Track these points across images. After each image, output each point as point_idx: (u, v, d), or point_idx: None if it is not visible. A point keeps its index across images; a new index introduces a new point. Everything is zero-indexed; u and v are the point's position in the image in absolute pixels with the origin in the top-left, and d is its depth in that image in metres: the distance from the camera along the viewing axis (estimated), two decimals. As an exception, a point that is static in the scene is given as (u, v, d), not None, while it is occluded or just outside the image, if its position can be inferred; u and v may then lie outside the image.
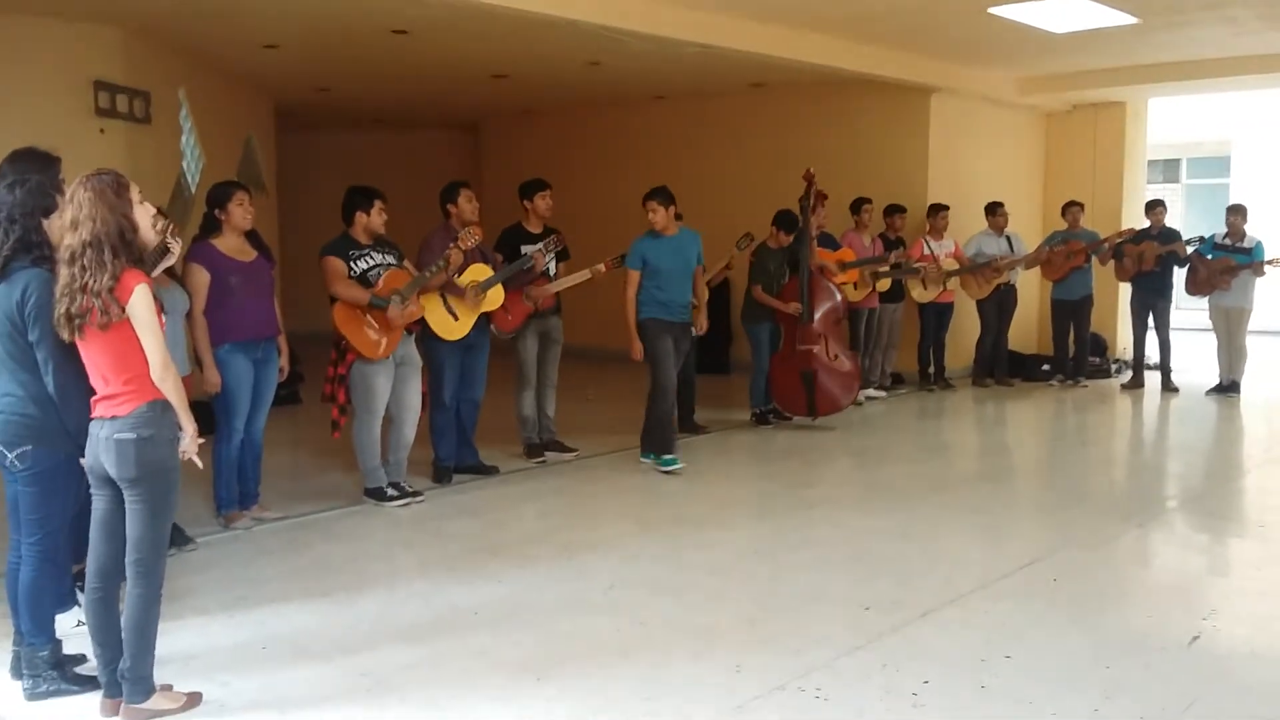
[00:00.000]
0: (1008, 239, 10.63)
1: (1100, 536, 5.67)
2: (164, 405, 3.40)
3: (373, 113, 13.98)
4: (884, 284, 9.85)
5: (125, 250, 3.33)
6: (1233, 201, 11.01)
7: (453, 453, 6.85)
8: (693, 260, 7.28)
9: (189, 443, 3.48)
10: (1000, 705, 3.61)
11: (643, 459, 7.26)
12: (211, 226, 5.61)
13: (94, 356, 3.40)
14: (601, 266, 7.26)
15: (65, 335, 3.35)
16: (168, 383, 3.37)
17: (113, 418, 3.36)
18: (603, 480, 7.05)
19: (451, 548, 5.50)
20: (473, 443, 6.99)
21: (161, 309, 3.46)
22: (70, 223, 3.31)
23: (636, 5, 7.69)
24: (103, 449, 3.38)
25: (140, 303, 3.32)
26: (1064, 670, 3.89)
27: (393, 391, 6.14)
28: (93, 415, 3.43)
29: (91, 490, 3.49)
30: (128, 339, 3.34)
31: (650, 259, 7.11)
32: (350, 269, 5.99)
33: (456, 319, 6.54)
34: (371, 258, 6.07)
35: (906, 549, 5.43)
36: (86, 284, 3.27)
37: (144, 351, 3.35)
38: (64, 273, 3.32)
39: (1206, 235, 10.34)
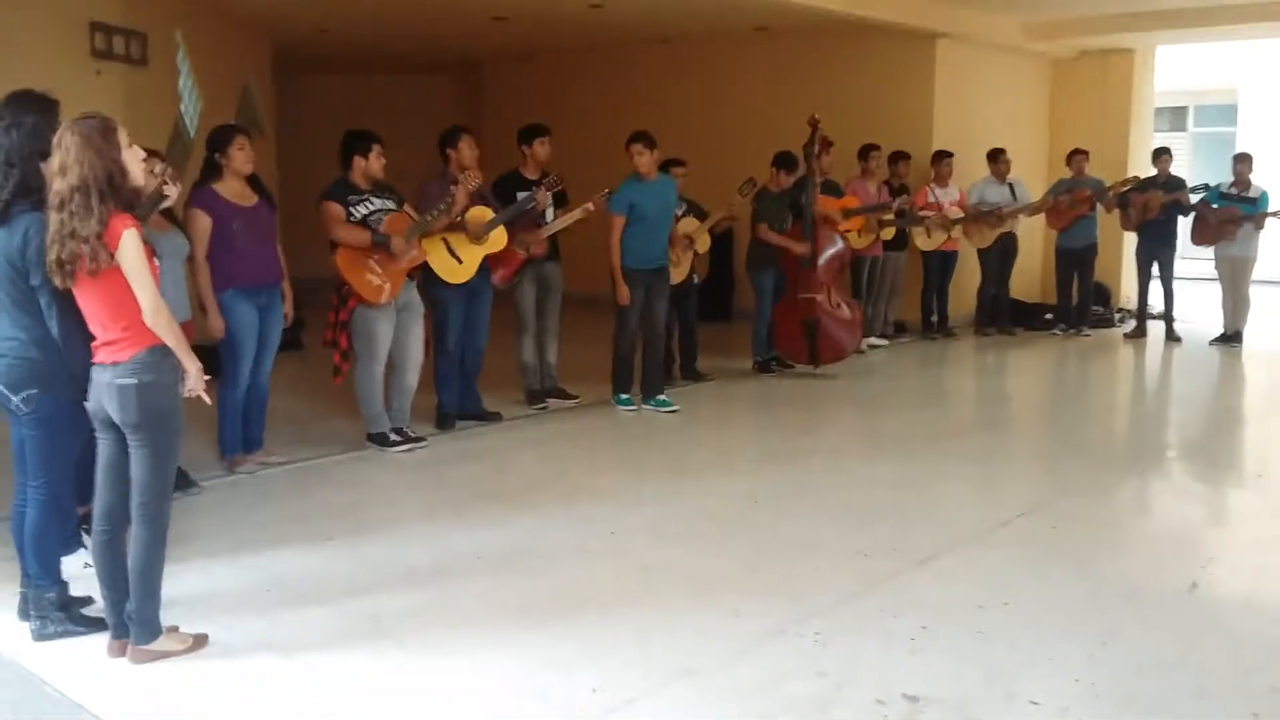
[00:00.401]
0: (1010, 186, 10.56)
1: (1099, 485, 5.70)
2: (163, 350, 3.39)
3: (372, 56, 13.82)
4: (888, 232, 9.81)
5: (113, 195, 3.30)
6: (1239, 150, 10.93)
7: (456, 399, 6.85)
8: (673, 206, 7.38)
9: (194, 380, 3.48)
10: (997, 651, 3.64)
11: (615, 402, 7.40)
12: (212, 171, 5.57)
13: (89, 303, 3.38)
14: (590, 205, 7.16)
15: (58, 282, 3.33)
16: (160, 324, 3.35)
17: (114, 363, 3.36)
18: (604, 428, 7.07)
19: (454, 493, 5.54)
20: (476, 389, 7.00)
21: (154, 253, 3.43)
22: (58, 168, 3.28)
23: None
24: (105, 394, 3.38)
25: (129, 247, 3.29)
26: (1061, 617, 3.92)
27: (395, 338, 6.14)
28: (94, 360, 3.42)
29: (96, 434, 3.50)
30: (121, 285, 3.32)
31: (637, 204, 7.12)
32: (350, 214, 5.96)
33: (460, 262, 6.52)
34: (371, 203, 6.03)
35: (905, 497, 5.46)
36: (74, 230, 3.24)
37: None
38: (53, 218, 3.29)
39: (1212, 184, 10.28)
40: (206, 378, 3.54)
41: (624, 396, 7.44)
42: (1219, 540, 5.05)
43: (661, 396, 7.39)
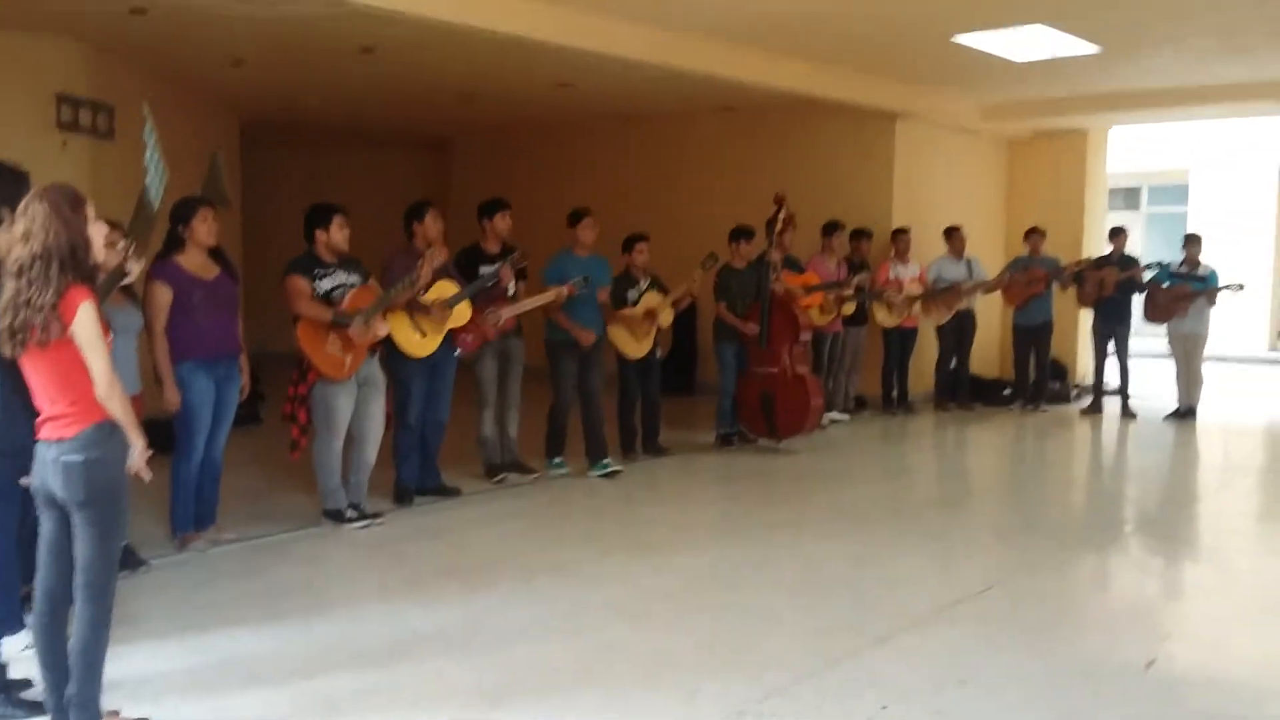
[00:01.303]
0: (968, 263, 10.73)
1: (1057, 561, 5.72)
2: (112, 425, 3.34)
3: (340, 131, 13.93)
4: (849, 308, 9.92)
5: (74, 267, 3.27)
6: (1190, 230, 11.20)
7: (415, 474, 6.80)
8: (605, 281, 7.62)
9: (139, 458, 3.43)
10: (956, 731, 3.62)
11: (548, 466, 7.60)
12: (175, 242, 5.55)
13: (37, 375, 3.33)
14: (564, 289, 7.27)
15: (6, 351, 3.28)
16: (113, 401, 3.31)
17: (59, 440, 3.30)
18: (563, 502, 7.03)
19: (410, 570, 5.46)
20: (436, 464, 6.95)
21: (109, 328, 3.40)
22: (22, 235, 3.24)
23: (604, 27, 7.73)
24: (50, 471, 3.32)
25: (84, 320, 3.25)
26: (1020, 696, 3.91)
27: (355, 412, 6.09)
28: (38, 436, 3.37)
29: (39, 512, 3.43)
30: (72, 358, 3.27)
31: (571, 277, 7.35)
32: (315, 288, 5.95)
33: (424, 335, 6.51)
34: (336, 276, 6.03)
35: (864, 573, 5.45)
36: (30, 298, 3.20)
37: (89, 371, 3.29)
38: (9, 286, 3.24)
39: (1165, 261, 10.51)
40: (149, 453, 3.49)
41: (557, 460, 7.63)
42: (1176, 616, 5.07)
43: (605, 460, 7.58)
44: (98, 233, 3.40)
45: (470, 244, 7.24)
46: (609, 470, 7.55)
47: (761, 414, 8.50)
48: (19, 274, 3.23)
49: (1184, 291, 10.05)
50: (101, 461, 3.31)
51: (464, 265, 7.02)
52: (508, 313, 7.11)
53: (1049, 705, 3.82)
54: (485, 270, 6.98)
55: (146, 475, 3.51)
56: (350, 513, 6.17)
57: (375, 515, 6.25)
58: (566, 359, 7.53)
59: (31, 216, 3.25)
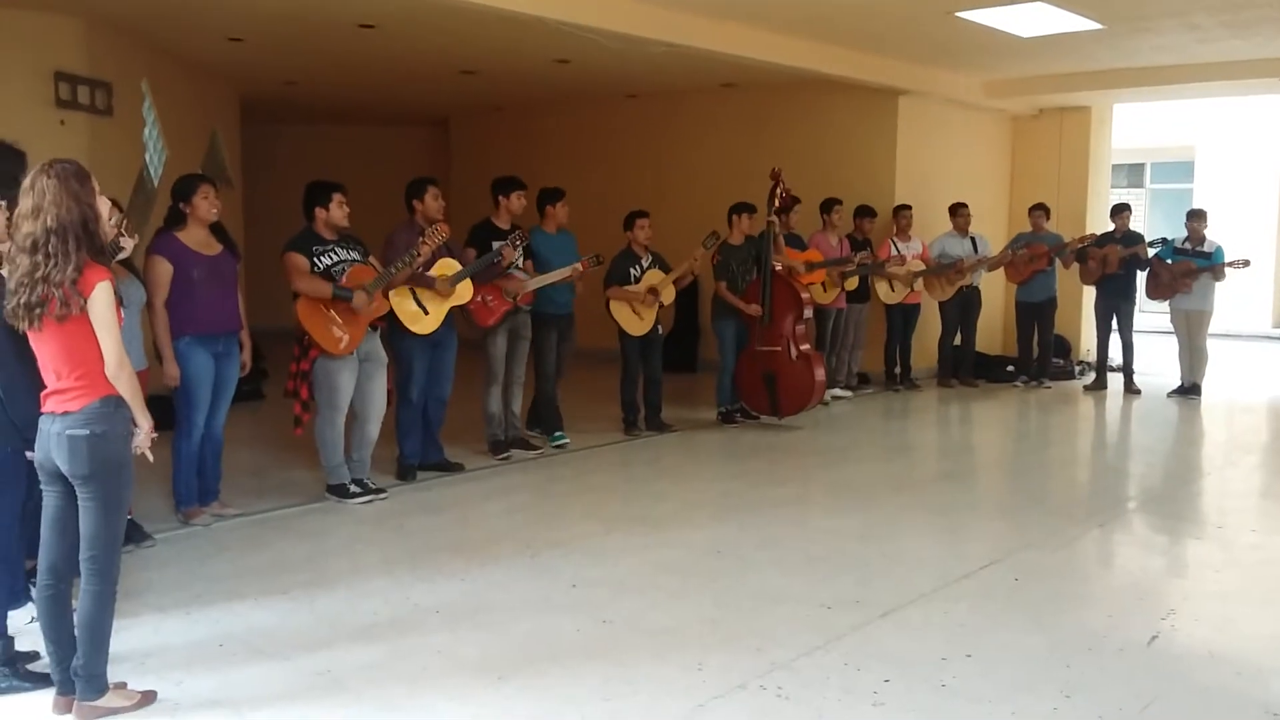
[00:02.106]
0: (972, 240, 10.70)
1: (1061, 537, 5.72)
2: (117, 401, 3.34)
3: (340, 107, 13.87)
4: (851, 283, 9.89)
5: (88, 241, 3.26)
6: (1194, 206, 11.14)
7: (418, 450, 6.80)
8: (575, 258, 7.62)
9: (143, 438, 3.43)
10: (960, 704, 3.62)
11: (538, 437, 7.77)
12: (176, 219, 5.55)
13: (47, 349, 3.33)
14: (579, 265, 7.31)
15: (22, 326, 3.28)
16: (122, 379, 3.31)
17: (64, 413, 3.30)
18: (567, 478, 7.03)
19: (413, 545, 5.47)
20: (438, 440, 6.95)
21: (120, 304, 3.40)
22: (31, 209, 3.22)
23: (602, 2, 7.67)
24: (54, 445, 3.31)
25: (101, 298, 3.25)
26: (1023, 670, 3.91)
27: (357, 388, 6.09)
28: (42, 410, 3.36)
29: (42, 486, 3.43)
30: (83, 333, 3.28)
31: (543, 253, 7.40)
32: (314, 264, 5.93)
33: (426, 313, 6.50)
34: (335, 253, 6.01)
35: (868, 549, 5.45)
36: (49, 274, 3.19)
37: (98, 346, 3.28)
38: (23, 261, 3.22)
39: (1168, 238, 10.46)
40: (155, 435, 3.48)
41: (557, 434, 7.76)
42: (1180, 592, 5.06)
43: (559, 432, 7.80)
44: (105, 206, 3.39)
45: (482, 220, 7.23)
46: (560, 443, 7.72)
47: (764, 391, 8.49)
48: (33, 249, 3.21)
49: (1188, 268, 10.01)
50: (106, 436, 3.31)
51: (477, 240, 7.03)
52: (531, 285, 7.13)
53: (1052, 680, 3.82)
54: (496, 245, 6.98)
55: (150, 456, 3.52)
56: (353, 488, 6.17)
57: (378, 491, 6.26)
58: (549, 333, 7.57)
59: (41, 191, 3.23)
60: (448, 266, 6.54)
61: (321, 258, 5.96)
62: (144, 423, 3.41)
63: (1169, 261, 10.17)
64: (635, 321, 7.99)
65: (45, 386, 3.37)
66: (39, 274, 3.19)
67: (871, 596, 4.67)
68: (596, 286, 7.98)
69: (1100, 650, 4.11)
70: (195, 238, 5.53)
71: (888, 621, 4.38)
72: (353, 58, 10.07)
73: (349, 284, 5.92)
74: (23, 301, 3.23)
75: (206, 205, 5.53)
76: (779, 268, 8.52)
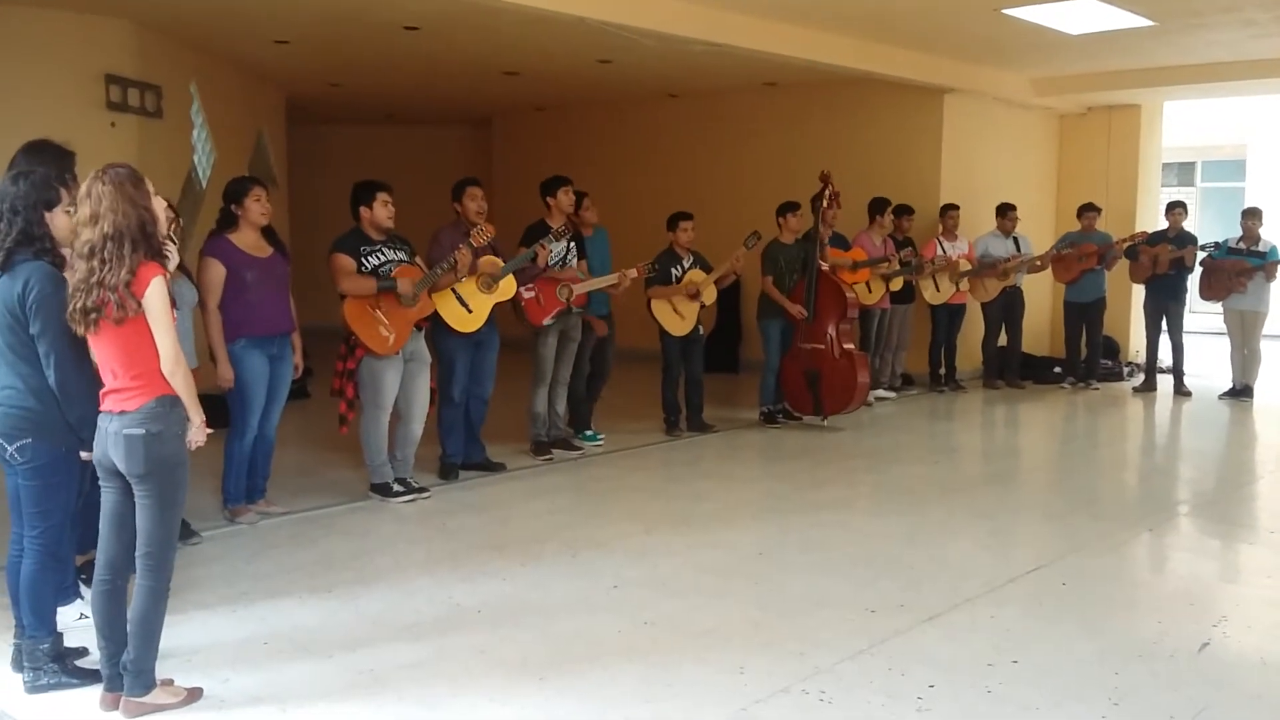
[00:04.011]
0: (1015, 240, 10.57)
1: (1110, 541, 5.63)
2: (173, 400, 3.38)
3: (384, 108, 13.99)
4: (896, 283, 9.81)
5: (145, 243, 3.31)
6: (1248, 205, 10.94)
7: (460, 449, 6.83)
8: (608, 256, 7.68)
9: (195, 432, 3.46)
10: (1006, 711, 3.57)
11: (577, 439, 7.73)
12: (228, 221, 5.60)
13: (105, 350, 3.38)
14: (633, 271, 7.38)
15: (80, 330, 3.33)
16: (178, 377, 3.36)
17: (121, 412, 3.35)
18: (608, 479, 7.03)
19: (456, 544, 5.49)
20: (480, 439, 6.98)
21: (173, 303, 3.44)
22: (89, 217, 3.27)
23: (644, 2, 7.66)
24: (111, 443, 3.36)
25: (155, 295, 3.30)
26: (1071, 676, 3.85)
27: (401, 387, 6.12)
28: (101, 408, 3.41)
29: (101, 483, 3.48)
30: (140, 333, 3.32)
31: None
32: (361, 265, 5.97)
33: (470, 311, 6.52)
34: (382, 253, 6.05)
35: (914, 552, 5.40)
36: (104, 278, 3.24)
37: (154, 347, 3.33)
38: (81, 267, 3.28)
39: (1221, 240, 10.27)
40: (210, 430, 3.52)
41: (588, 433, 7.80)
42: (1232, 598, 4.96)
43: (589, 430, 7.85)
44: (160, 207, 3.44)
45: (536, 221, 7.26)
46: (593, 442, 7.77)
47: (808, 391, 8.44)
48: (90, 255, 3.26)
49: (1242, 266, 9.82)
50: (162, 435, 3.36)
51: (529, 241, 7.05)
52: (580, 289, 7.16)
53: (1100, 686, 3.76)
54: (555, 247, 7.00)
55: (200, 440, 3.54)
56: (396, 487, 6.21)
57: (421, 490, 6.29)
58: (585, 335, 7.58)
59: (98, 198, 3.28)
60: (491, 265, 6.56)
61: (369, 258, 6.00)
62: (196, 417, 3.45)
63: (1222, 259, 9.98)
64: (676, 321, 7.97)
65: (102, 387, 3.42)
66: (94, 279, 3.25)
67: (916, 600, 4.62)
68: (637, 286, 7.97)
69: (1150, 657, 4.03)
70: (247, 240, 5.58)
71: (933, 626, 4.33)
72: (396, 59, 10.14)
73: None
74: (80, 306, 3.28)
75: (258, 208, 5.58)
76: (825, 266, 8.48)
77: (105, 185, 3.28)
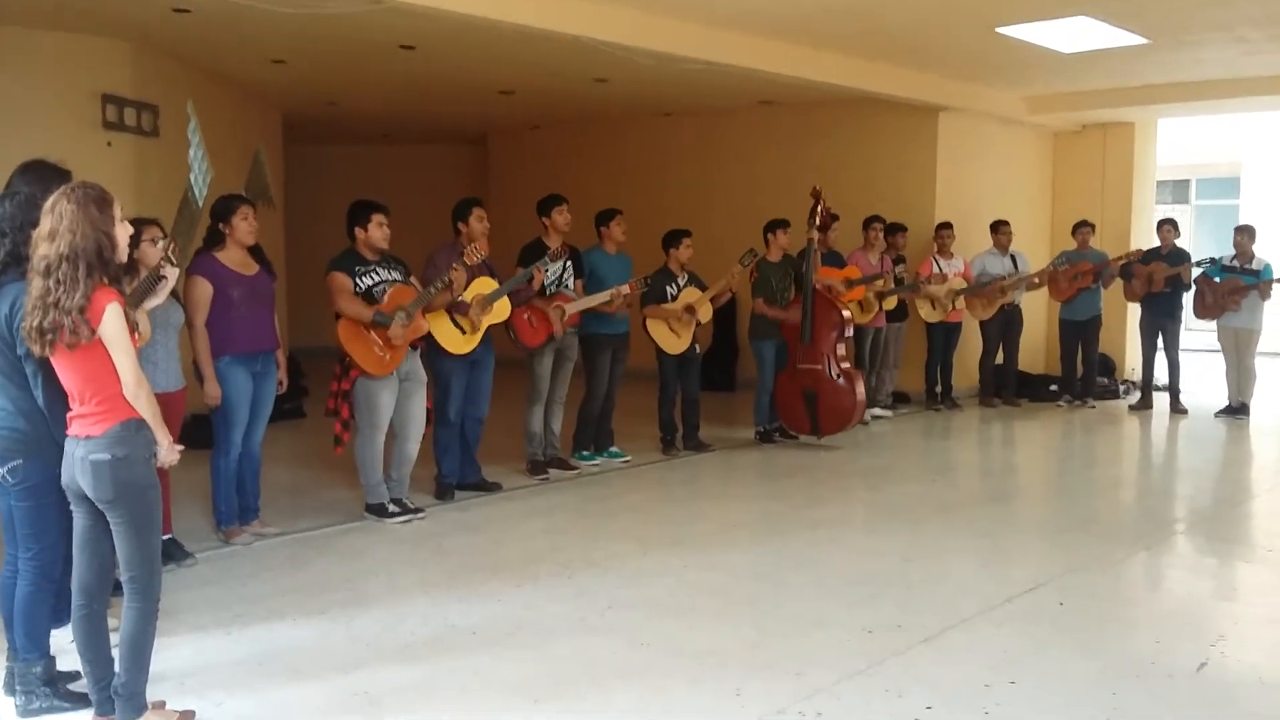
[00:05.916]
0: (1012, 257, 10.59)
1: (1107, 560, 5.61)
2: (138, 424, 3.34)
3: (380, 127, 14.01)
4: (890, 302, 9.82)
5: (101, 268, 3.25)
6: (1241, 222, 10.97)
7: (456, 469, 6.81)
8: (628, 278, 7.68)
9: (166, 452, 3.43)
10: (1004, 732, 3.56)
11: (573, 459, 7.67)
12: (215, 239, 5.61)
13: (65, 373, 3.34)
14: (626, 289, 7.35)
15: (36, 350, 3.28)
16: (140, 400, 3.31)
17: (87, 437, 3.31)
18: (604, 498, 7.01)
19: (451, 565, 5.47)
20: (476, 459, 6.96)
21: (135, 328, 3.40)
22: (49, 233, 3.22)
23: (640, 21, 7.69)
24: (78, 469, 3.32)
25: (111, 322, 3.24)
26: (1069, 696, 3.83)
27: (397, 407, 6.11)
28: (67, 433, 3.38)
29: (71, 507, 3.44)
30: (100, 358, 3.28)
31: (599, 273, 7.49)
32: (356, 285, 5.97)
33: (464, 333, 6.52)
34: (377, 273, 6.04)
35: (910, 571, 5.38)
36: (59, 300, 3.19)
37: (115, 370, 3.29)
38: (37, 284, 3.23)
39: (1215, 257, 10.30)
40: (180, 448, 3.50)
41: (613, 450, 7.84)
42: (1229, 616, 4.95)
43: (613, 448, 7.90)
44: (124, 233, 3.38)
45: (533, 240, 7.26)
46: (619, 459, 7.83)
47: (803, 410, 8.43)
48: (46, 273, 3.22)
49: (1236, 285, 9.85)
50: (129, 459, 3.32)
51: (526, 260, 7.06)
52: (572, 309, 7.16)
53: (1098, 706, 3.74)
54: (551, 268, 6.98)
55: (174, 461, 3.51)
56: (392, 507, 6.19)
57: (417, 510, 6.27)
58: (602, 355, 7.59)
59: (59, 215, 3.23)
60: (485, 285, 6.56)
61: (363, 278, 5.99)
62: (163, 439, 3.41)
63: (1217, 280, 10.00)
64: (672, 340, 7.97)
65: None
66: (50, 299, 3.20)
67: (913, 620, 4.60)
68: (633, 305, 7.97)
69: (1148, 676, 4.02)
70: (234, 258, 5.58)
71: (930, 646, 4.31)
72: (393, 78, 10.17)
73: (390, 304, 5.95)
74: (36, 325, 3.23)
75: (246, 226, 5.58)
76: (820, 286, 8.48)
77: (69, 204, 3.24)
